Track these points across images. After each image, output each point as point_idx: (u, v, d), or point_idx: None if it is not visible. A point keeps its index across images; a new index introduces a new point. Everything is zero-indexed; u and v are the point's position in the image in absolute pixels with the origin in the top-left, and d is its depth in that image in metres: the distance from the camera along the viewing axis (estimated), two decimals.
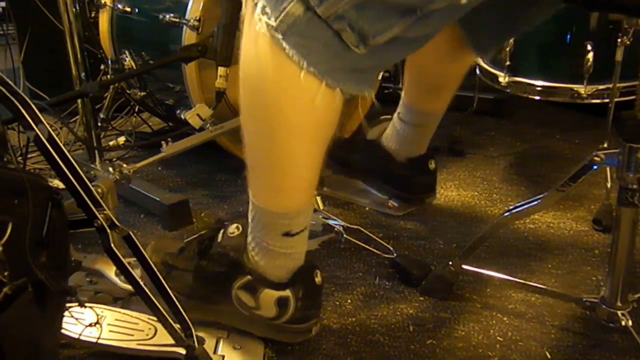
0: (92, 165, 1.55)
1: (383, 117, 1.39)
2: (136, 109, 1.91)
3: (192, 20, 1.32)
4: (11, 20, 2.13)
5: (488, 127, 1.85)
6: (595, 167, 0.92)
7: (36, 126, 0.94)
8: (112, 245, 0.86)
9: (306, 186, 0.86)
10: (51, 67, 2.01)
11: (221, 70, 1.10)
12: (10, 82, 0.93)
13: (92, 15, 1.75)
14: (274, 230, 0.87)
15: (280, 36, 0.73)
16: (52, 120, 1.77)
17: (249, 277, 0.89)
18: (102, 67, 1.72)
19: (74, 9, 1.53)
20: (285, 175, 0.84)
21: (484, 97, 1.72)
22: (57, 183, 1.20)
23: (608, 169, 1.27)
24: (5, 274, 0.64)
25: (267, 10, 0.73)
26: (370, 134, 1.39)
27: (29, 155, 1.56)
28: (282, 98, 0.78)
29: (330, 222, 1.25)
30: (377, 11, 0.72)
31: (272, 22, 0.73)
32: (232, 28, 1.06)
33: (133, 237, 0.90)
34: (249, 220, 0.89)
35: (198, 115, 1.16)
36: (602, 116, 1.26)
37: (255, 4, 0.75)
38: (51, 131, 0.96)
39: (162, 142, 1.21)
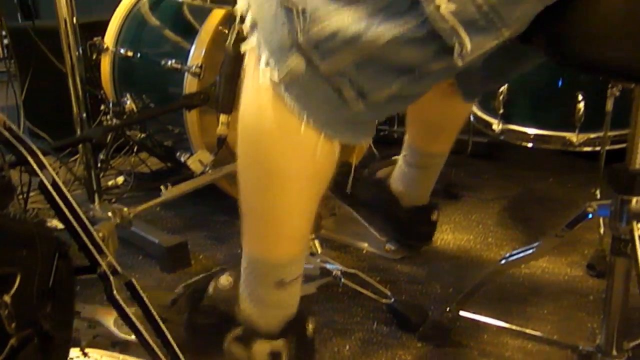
0: (92, 206, 1.56)
1: (394, 157, 1.41)
2: (135, 149, 1.93)
3: (193, 67, 1.35)
4: (13, 58, 2.17)
5: (482, 170, 1.88)
6: (589, 216, 0.94)
7: (41, 171, 0.96)
8: (115, 292, 0.87)
9: (300, 235, 0.87)
10: (52, 107, 2.03)
11: (222, 117, 1.12)
12: (14, 126, 0.95)
13: (94, 57, 1.79)
14: (267, 279, 0.87)
15: (282, 89, 0.76)
16: (51, 159, 1.80)
17: (241, 328, 0.89)
18: (102, 107, 1.75)
19: (77, 52, 1.56)
20: (280, 225, 0.85)
21: (478, 140, 1.76)
22: (56, 223, 1.21)
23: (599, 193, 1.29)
24: (13, 325, 0.65)
25: (271, 64, 0.76)
26: (380, 173, 1.40)
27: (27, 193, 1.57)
28: (282, 148, 0.80)
29: (328, 266, 1.26)
30: (376, 70, 0.74)
31: (275, 77, 0.76)
32: (234, 77, 1.09)
33: (135, 283, 0.91)
34: (242, 269, 0.90)
35: (200, 161, 1.18)
36: (595, 159, 1.29)
37: (259, 58, 0.77)
38: (55, 177, 0.98)
39: (162, 186, 1.22)
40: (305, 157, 0.80)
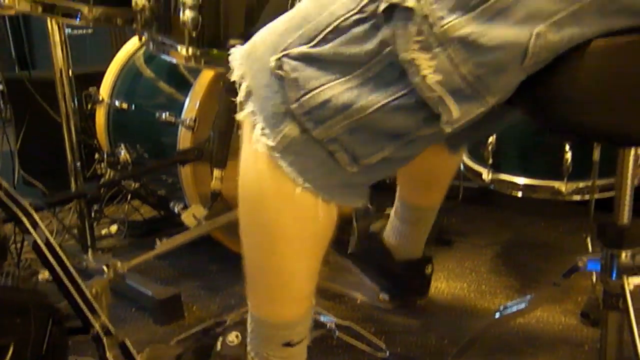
0: (85, 257, 1.56)
1: (389, 209, 1.42)
2: (128, 197, 1.94)
3: (187, 121, 1.37)
4: (8, 106, 2.19)
5: (474, 215, 1.90)
6: (580, 269, 0.96)
7: (34, 231, 0.97)
8: (107, 353, 0.87)
9: (304, 296, 0.88)
10: (46, 155, 2.05)
11: (216, 172, 1.14)
12: (7, 185, 0.96)
13: (89, 106, 1.81)
14: (274, 340, 0.88)
15: (277, 155, 0.78)
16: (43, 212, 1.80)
17: None
18: (96, 156, 1.76)
19: (72, 104, 1.59)
20: (284, 287, 0.86)
21: (469, 185, 1.77)
22: (46, 275, 1.20)
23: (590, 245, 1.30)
24: None
25: (266, 132, 0.78)
26: (374, 227, 1.41)
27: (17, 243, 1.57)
28: (281, 213, 0.81)
29: (322, 318, 1.25)
30: (368, 135, 0.76)
31: (270, 143, 0.78)
32: (227, 133, 1.11)
33: (128, 345, 0.90)
34: (248, 329, 0.90)
35: (193, 215, 1.19)
36: (585, 204, 1.31)
37: (254, 126, 0.79)
38: (49, 236, 0.98)
39: (157, 239, 1.23)
40: (303, 220, 0.81)
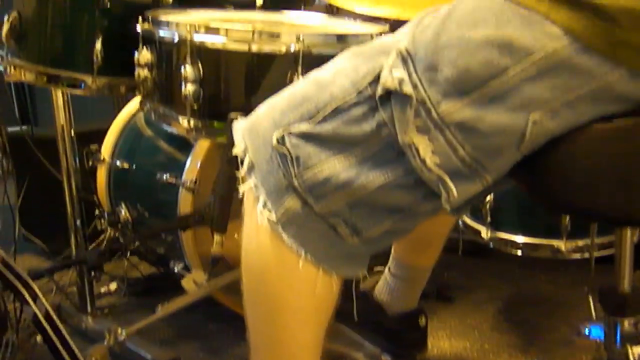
0: (84, 318, 1.54)
1: (377, 268, 1.43)
2: (127, 254, 1.93)
3: (188, 182, 1.38)
4: (9, 162, 2.20)
5: (474, 269, 1.89)
6: (584, 336, 0.95)
7: (34, 303, 0.96)
8: None
9: None
10: (46, 212, 2.05)
11: (217, 237, 1.14)
12: (6, 256, 0.96)
13: (90, 164, 1.82)
14: None
15: (280, 228, 0.79)
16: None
17: None
18: (96, 211, 1.77)
19: (73, 163, 1.60)
20: (288, 358, 0.86)
21: (468, 238, 1.77)
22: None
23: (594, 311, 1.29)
24: None
25: (268, 205, 0.79)
26: (364, 285, 1.41)
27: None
28: (283, 285, 0.82)
29: None
30: (368, 210, 0.77)
31: (273, 216, 0.79)
32: (228, 198, 1.12)
33: None
34: None
35: (194, 280, 1.19)
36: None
37: (256, 199, 0.81)
38: (49, 308, 0.98)
39: (159, 305, 1.23)
40: (306, 291, 0.82)
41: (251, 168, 0.81)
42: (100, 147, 1.75)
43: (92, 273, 1.66)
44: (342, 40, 0.97)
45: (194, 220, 1.24)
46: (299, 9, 1.30)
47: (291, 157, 0.76)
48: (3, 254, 0.87)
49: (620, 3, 0.64)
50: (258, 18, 1.20)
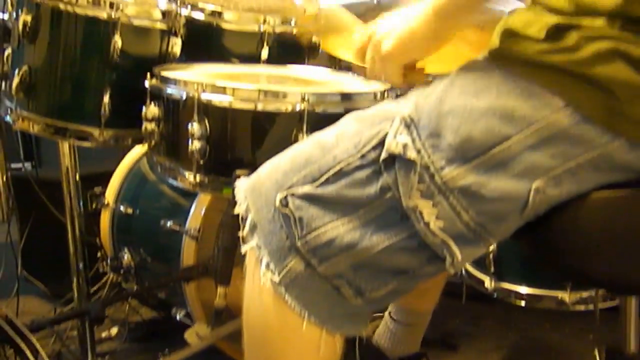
0: None
1: (376, 314, 1.42)
2: (129, 297, 1.92)
3: (192, 230, 1.39)
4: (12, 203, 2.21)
5: (478, 315, 1.87)
6: None
7: (35, 359, 0.96)
8: None
9: None
10: (49, 254, 2.05)
11: (220, 290, 1.14)
12: (8, 313, 0.96)
13: (94, 206, 1.83)
14: None
15: (282, 289, 0.79)
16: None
17: None
18: (98, 254, 1.77)
19: (78, 207, 1.61)
20: None
21: (471, 284, 1.76)
22: None
23: None
24: None
25: (271, 266, 0.79)
26: (365, 331, 1.40)
27: None
28: (287, 347, 0.81)
29: None
30: (372, 272, 0.78)
31: (276, 277, 0.79)
32: (232, 250, 1.12)
33: None
34: None
35: (197, 334, 1.18)
36: None
37: (259, 259, 0.81)
38: None
39: (160, 355, 1.22)
40: (310, 352, 0.81)
41: (253, 228, 0.81)
42: (104, 189, 1.76)
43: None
44: (346, 99, 0.99)
45: (197, 272, 1.24)
46: (303, 62, 1.32)
47: (294, 218, 0.77)
48: (5, 310, 0.87)
49: (617, 75, 0.65)
50: (263, 73, 1.22)
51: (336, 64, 1.37)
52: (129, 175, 1.73)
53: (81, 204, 1.60)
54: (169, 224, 1.47)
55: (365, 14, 1.60)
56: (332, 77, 1.20)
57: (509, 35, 0.74)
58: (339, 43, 1.42)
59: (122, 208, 1.66)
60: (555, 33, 0.69)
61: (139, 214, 1.63)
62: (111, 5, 1.11)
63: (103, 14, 1.11)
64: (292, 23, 1.30)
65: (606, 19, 0.67)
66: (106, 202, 1.72)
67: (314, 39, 1.35)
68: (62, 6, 1.11)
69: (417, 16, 0.75)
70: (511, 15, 0.78)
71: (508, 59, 0.71)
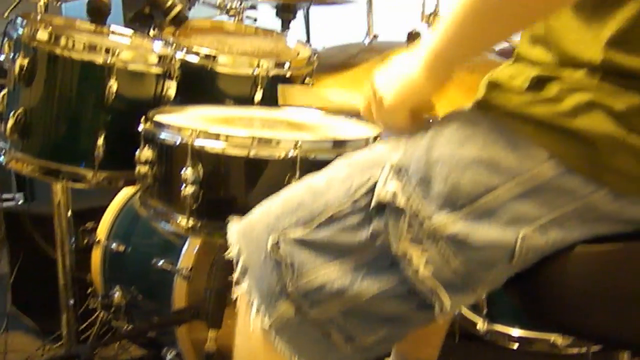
0: None
1: None
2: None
3: (184, 270, 1.38)
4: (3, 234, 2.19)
5: (471, 355, 1.86)
6: None
7: None
8: None
9: None
10: (39, 289, 2.03)
11: (212, 333, 1.14)
12: None
13: (85, 242, 1.82)
14: None
15: (273, 334, 0.79)
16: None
17: None
18: (88, 290, 1.75)
19: (69, 244, 1.61)
20: None
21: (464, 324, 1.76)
22: None
23: None
24: None
25: (262, 310, 0.80)
26: None
27: None
28: None
29: None
30: (362, 318, 0.78)
31: (266, 322, 0.79)
32: (223, 293, 1.13)
33: None
34: None
35: None
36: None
37: (250, 303, 0.81)
38: None
39: None
40: None
41: (245, 271, 0.81)
42: (97, 225, 1.75)
43: None
44: (338, 146, 1.01)
45: (188, 315, 1.23)
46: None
47: (285, 263, 0.77)
48: None
49: (597, 128, 0.67)
50: (257, 116, 1.24)
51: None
52: (121, 211, 1.73)
53: (73, 240, 1.60)
54: (160, 262, 1.47)
55: (357, 55, 1.64)
56: (324, 120, 1.21)
57: (494, 86, 0.76)
58: (331, 85, 1.45)
59: (113, 245, 1.66)
60: (537, 84, 0.71)
61: (130, 251, 1.63)
62: (107, 51, 1.13)
63: (99, 59, 1.13)
64: (286, 66, 1.32)
65: (586, 71, 0.69)
66: (98, 239, 1.71)
67: (307, 80, 1.37)
68: (58, 51, 1.13)
69: (412, 63, 0.75)
70: (496, 69, 0.80)
71: (493, 109, 0.73)
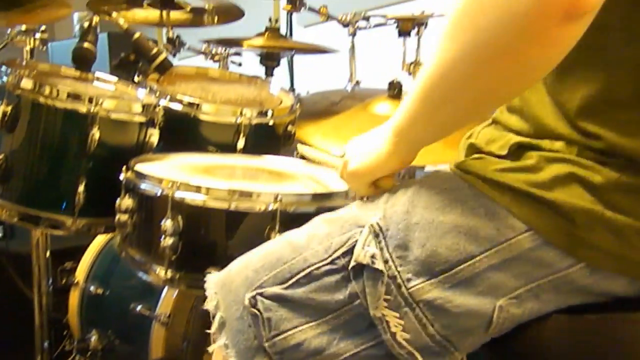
0: None
1: None
2: None
3: (162, 317, 1.37)
4: None
5: None
6: None
7: None
8: None
9: None
10: (13, 328, 1.99)
11: None
12: None
13: (64, 282, 1.79)
14: None
15: None
16: None
17: None
18: (64, 332, 1.72)
19: (46, 287, 1.59)
20: None
21: None
22: None
23: None
24: None
25: None
26: None
27: None
28: None
29: None
30: None
31: None
32: (201, 344, 1.11)
33: None
34: None
35: None
36: None
37: (227, 359, 0.80)
38: None
39: None
40: None
41: (222, 325, 0.81)
42: (76, 264, 1.73)
43: None
44: (319, 199, 1.02)
45: None
46: (278, 150, 1.35)
47: (263, 318, 0.77)
48: None
49: (575, 202, 0.66)
50: (239, 164, 1.25)
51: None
52: (101, 252, 1.71)
53: (50, 281, 1.58)
54: (138, 307, 1.45)
55: (340, 102, 1.66)
56: (305, 169, 1.23)
57: (473, 150, 0.76)
58: (313, 132, 1.46)
59: (92, 288, 1.64)
60: (516, 151, 0.71)
61: (109, 294, 1.61)
62: (90, 100, 1.13)
63: (82, 108, 1.14)
64: (269, 114, 1.34)
65: (565, 143, 0.68)
66: (76, 280, 1.69)
67: (289, 128, 1.39)
68: (42, 100, 1.13)
69: (381, 136, 0.76)
70: (475, 130, 0.80)
71: (472, 175, 0.72)
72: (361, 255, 0.73)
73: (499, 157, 0.72)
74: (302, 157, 1.17)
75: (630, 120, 0.67)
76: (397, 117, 0.73)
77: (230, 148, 1.29)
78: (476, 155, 0.75)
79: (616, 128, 0.67)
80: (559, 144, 0.69)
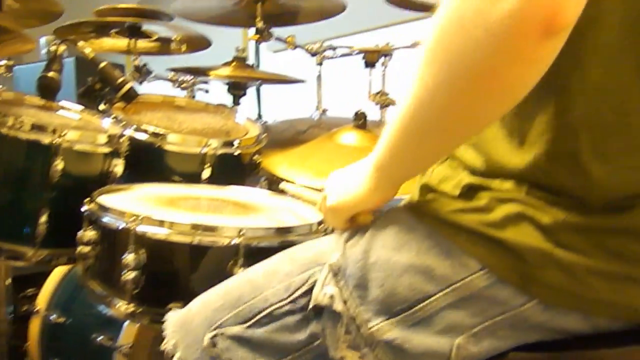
0: None
1: None
2: None
3: (124, 348, 1.35)
4: None
5: None
6: None
7: None
8: None
9: None
10: None
11: None
12: None
13: (24, 309, 1.76)
14: None
15: None
16: None
17: None
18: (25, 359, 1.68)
19: (5, 316, 1.55)
20: None
21: None
22: None
23: None
24: None
25: None
26: None
27: None
28: None
29: None
30: None
31: None
32: None
33: None
34: None
35: None
36: None
37: None
38: None
39: None
40: None
41: None
42: (37, 291, 1.70)
43: None
44: (282, 233, 1.02)
45: None
46: (243, 180, 1.36)
47: (222, 359, 0.77)
48: None
49: (526, 241, 0.67)
50: (204, 195, 1.25)
51: (275, 183, 1.42)
52: (63, 280, 1.68)
53: (10, 309, 1.55)
54: (100, 338, 1.43)
55: (306, 131, 1.68)
56: (270, 200, 1.24)
57: (427, 190, 0.76)
58: (279, 162, 1.48)
59: (53, 316, 1.60)
60: (468, 192, 0.71)
61: (70, 323, 1.58)
62: (54, 131, 1.13)
63: (46, 139, 1.13)
64: (235, 144, 1.35)
65: (514, 182, 0.69)
66: (37, 309, 1.65)
67: (255, 158, 1.40)
68: (4, 130, 1.12)
69: (362, 172, 0.75)
70: (429, 170, 0.79)
71: (427, 214, 0.73)
72: (320, 296, 0.73)
73: (452, 197, 0.72)
74: (282, 193, 1.17)
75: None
76: (378, 151, 0.72)
77: (195, 178, 1.29)
78: (430, 196, 0.75)
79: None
80: (508, 184, 0.69)
